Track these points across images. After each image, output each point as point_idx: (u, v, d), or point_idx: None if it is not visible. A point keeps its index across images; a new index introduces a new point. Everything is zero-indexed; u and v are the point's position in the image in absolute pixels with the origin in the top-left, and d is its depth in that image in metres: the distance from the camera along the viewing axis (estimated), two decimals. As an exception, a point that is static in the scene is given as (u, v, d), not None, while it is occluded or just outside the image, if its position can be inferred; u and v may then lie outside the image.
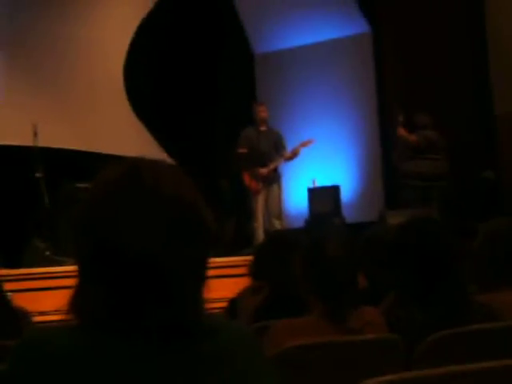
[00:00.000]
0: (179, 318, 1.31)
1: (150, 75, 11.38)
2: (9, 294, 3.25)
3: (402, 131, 9.69)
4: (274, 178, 9.53)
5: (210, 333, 1.35)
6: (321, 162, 11.09)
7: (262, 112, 9.53)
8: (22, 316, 3.15)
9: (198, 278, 1.35)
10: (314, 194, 10.76)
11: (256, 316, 3.07)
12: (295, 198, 11.01)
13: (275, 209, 9.51)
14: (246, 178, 9.53)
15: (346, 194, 10.81)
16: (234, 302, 3.37)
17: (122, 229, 1.28)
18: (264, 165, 9.44)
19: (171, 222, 1.30)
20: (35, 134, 8.63)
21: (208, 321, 1.37)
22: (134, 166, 1.36)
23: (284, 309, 2.95)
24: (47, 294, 6.54)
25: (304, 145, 9.53)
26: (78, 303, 1.33)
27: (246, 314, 3.10)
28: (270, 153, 9.50)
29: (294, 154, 9.54)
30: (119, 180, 1.34)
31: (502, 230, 3.11)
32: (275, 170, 9.55)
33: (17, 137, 9.40)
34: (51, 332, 1.33)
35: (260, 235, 9.23)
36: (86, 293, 1.32)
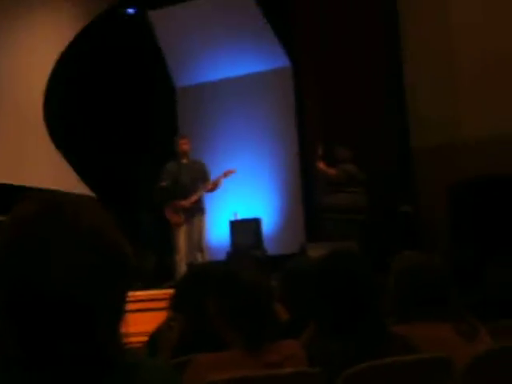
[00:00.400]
0: (96, 354, 1.29)
1: (71, 107, 11.27)
2: None
3: (321, 165, 9.80)
4: (197, 210, 9.52)
5: (130, 368, 1.34)
6: (242, 195, 11.14)
7: (184, 145, 9.54)
8: None
9: (117, 312, 1.34)
10: (236, 226, 10.78)
11: (174, 350, 3.06)
12: (217, 230, 11.01)
13: (197, 241, 9.49)
14: (167, 212, 9.50)
15: (268, 227, 10.86)
16: (153, 336, 3.35)
17: (37, 264, 1.26)
18: (185, 197, 9.42)
19: (91, 259, 1.28)
20: None
21: (127, 356, 1.36)
22: (52, 201, 1.34)
23: (201, 343, 2.94)
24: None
25: (226, 175, 9.55)
26: None
27: (165, 348, 3.08)
28: (192, 185, 9.49)
29: (216, 185, 9.56)
30: (36, 215, 1.30)
31: (408, 266, 3.18)
32: (197, 202, 9.53)
33: None
34: None
35: (182, 268, 9.19)
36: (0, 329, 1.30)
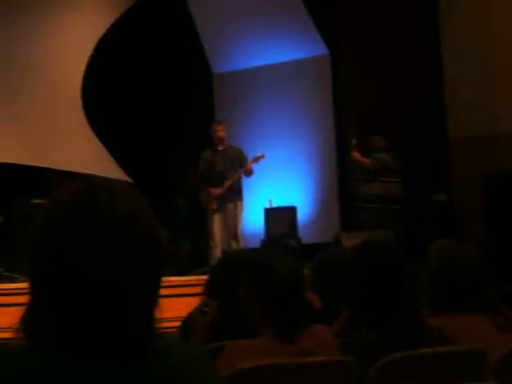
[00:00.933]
0: (130, 338, 1.30)
1: (108, 93, 11.33)
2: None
3: (356, 154, 9.77)
4: (231, 198, 9.51)
5: (162, 353, 1.34)
6: (278, 183, 11.12)
7: (220, 131, 9.54)
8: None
9: (151, 297, 1.35)
10: (271, 214, 10.77)
11: (207, 336, 3.07)
12: (252, 218, 11.01)
13: (232, 229, 9.50)
14: (202, 198, 9.53)
15: (303, 215, 10.83)
16: (186, 322, 3.36)
17: (76, 247, 1.27)
18: (220, 184, 9.43)
19: (126, 241, 1.30)
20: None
21: (160, 341, 1.36)
22: (89, 185, 1.35)
23: (233, 330, 2.95)
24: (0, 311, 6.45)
25: (255, 160, 9.53)
26: (28, 322, 1.32)
27: (198, 334, 3.09)
28: (227, 172, 9.49)
29: (247, 171, 9.54)
30: (74, 199, 1.33)
31: (444, 255, 3.14)
32: (233, 188, 9.52)
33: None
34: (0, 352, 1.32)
35: (217, 255, 9.20)
36: (37, 312, 1.31)
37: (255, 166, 9.59)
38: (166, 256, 1.38)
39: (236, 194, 9.59)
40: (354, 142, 9.81)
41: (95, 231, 1.29)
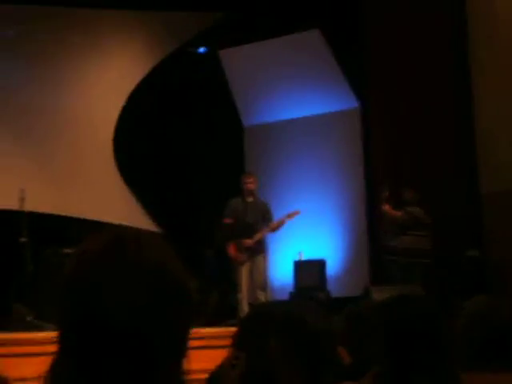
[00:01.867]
0: None
1: (140, 145, 11.44)
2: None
3: (387, 207, 9.74)
4: (260, 249, 9.51)
5: None
6: (307, 235, 11.10)
7: (250, 184, 9.57)
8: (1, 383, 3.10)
9: (179, 349, 1.33)
10: (300, 266, 10.74)
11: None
12: (281, 270, 10.98)
13: (260, 280, 9.47)
14: (231, 249, 9.52)
15: (332, 268, 10.79)
16: (214, 374, 3.32)
17: (101, 299, 1.27)
18: (250, 236, 9.43)
19: (153, 294, 1.29)
20: (22, 199, 8.62)
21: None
22: (116, 235, 1.35)
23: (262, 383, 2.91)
24: (28, 361, 6.44)
25: (290, 216, 9.56)
26: (54, 373, 1.31)
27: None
28: (257, 224, 9.50)
29: (280, 225, 9.56)
30: (101, 250, 1.33)
31: (482, 310, 3.09)
32: (261, 241, 9.53)
33: (3, 200, 9.39)
34: None
35: (244, 306, 9.18)
36: (63, 363, 1.30)
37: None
38: (194, 308, 1.37)
39: (263, 246, 9.59)
40: (385, 194, 9.80)
41: (121, 282, 1.28)
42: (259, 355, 3.09)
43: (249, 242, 9.41)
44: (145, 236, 1.37)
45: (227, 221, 9.58)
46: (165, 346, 1.29)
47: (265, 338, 2.92)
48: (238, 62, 12.02)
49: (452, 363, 2.79)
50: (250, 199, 9.58)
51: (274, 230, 9.62)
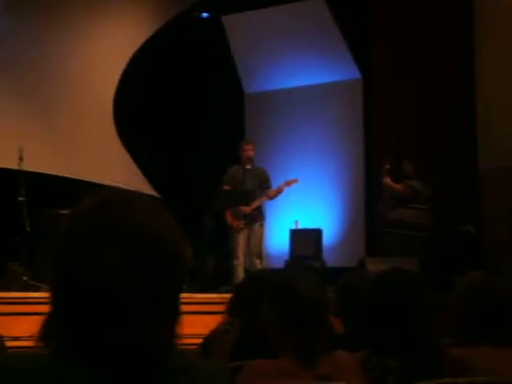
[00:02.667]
0: (142, 350, 1.29)
1: (139, 107, 11.42)
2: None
3: (387, 180, 9.74)
4: (257, 217, 9.52)
5: (180, 369, 1.34)
6: (304, 204, 11.12)
7: (249, 151, 9.56)
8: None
9: (167, 310, 1.34)
10: (296, 235, 10.76)
11: (228, 355, 3.06)
12: (277, 238, 11.01)
13: (256, 248, 9.50)
14: (228, 216, 9.53)
15: (328, 238, 10.81)
16: (208, 340, 3.35)
17: (85, 259, 1.29)
18: (247, 203, 9.44)
19: (136, 253, 1.30)
20: (21, 158, 8.62)
21: (180, 357, 1.36)
22: (104, 197, 1.37)
23: (255, 349, 2.93)
24: (21, 319, 6.49)
25: (288, 184, 9.55)
26: (46, 331, 1.33)
27: (220, 352, 3.09)
28: (255, 191, 9.50)
29: (278, 192, 9.56)
30: (88, 211, 1.35)
31: (477, 284, 3.12)
32: (258, 209, 9.54)
33: (1, 159, 9.38)
34: (20, 360, 1.33)
35: (240, 273, 9.21)
36: (55, 321, 1.32)
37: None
38: (185, 270, 1.37)
39: (261, 213, 9.60)
40: (386, 167, 9.79)
41: (105, 242, 1.30)
42: (252, 321, 3.12)
43: (246, 209, 9.43)
44: (134, 197, 1.38)
45: (226, 188, 9.59)
46: (147, 305, 1.30)
47: (258, 304, 2.94)
48: (240, 28, 11.96)
49: (437, 336, 2.83)
50: (249, 166, 9.58)
51: (272, 197, 9.62)
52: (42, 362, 1.31)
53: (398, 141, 10.57)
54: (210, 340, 3.31)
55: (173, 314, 1.35)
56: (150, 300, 1.30)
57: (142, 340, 1.29)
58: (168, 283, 1.33)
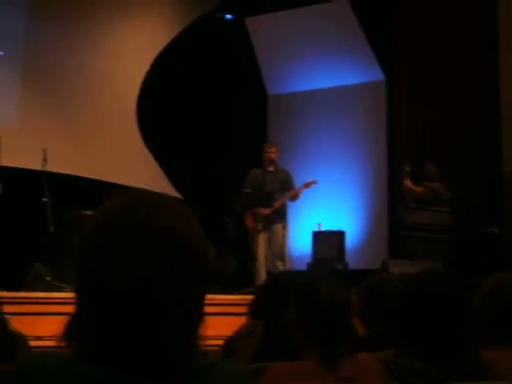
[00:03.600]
0: (167, 353, 1.30)
1: (162, 108, 11.45)
2: (7, 316, 3.24)
3: (408, 182, 9.70)
4: (277, 219, 9.51)
5: (203, 369, 1.34)
6: (327, 206, 11.10)
7: (272, 153, 9.57)
8: (18, 339, 3.14)
9: (192, 313, 1.34)
10: (319, 237, 10.74)
11: (251, 357, 3.06)
12: (300, 240, 10.99)
13: (279, 250, 9.49)
14: (248, 218, 9.53)
15: (351, 240, 10.79)
16: (230, 341, 3.35)
17: (111, 261, 1.28)
18: (267, 205, 9.43)
19: (162, 255, 1.29)
20: (45, 159, 8.66)
21: (202, 358, 1.36)
22: (131, 198, 1.36)
23: (278, 351, 2.93)
24: (44, 319, 6.52)
25: (306, 186, 9.54)
26: (70, 331, 1.33)
27: (242, 353, 3.09)
28: (275, 193, 9.49)
29: (296, 195, 9.55)
30: (114, 213, 1.34)
31: (502, 286, 3.09)
32: (279, 211, 9.52)
33: (26, 160, 9.43)
34: (44, 360, 1.33)
35: (262, 275, 9.20)
36: (80, 321, 1.33)
37: (304, 191, 9.60)
38: (210, 272, 1.37)
39: (282, 215, 9.59)
40: (406, 169, 9.76)
41: (131, 246, 1.29)
42: (275, 323, 3.12)
43: (265, 211, 9.42)
44: (160, 199, 1.37)
45: (246, 190, 9.59)
46: (173, 307, 1.30)
47: (281, 306, 2.94)
48: (264, 30, 11.96)
49: (470, 339, 2.80)
50: (271, 168, 9.58)
51: (292, 199, 9.61)
52: (66, 361, 1.31)
53: (421, 143, 10.53)
54: (233, 341, 3.31)
55: (197, 316, 1.35)
56: (176, 302, 1.30)
57: (167, 341, 1.29)
58: (194, 286, 1.33)
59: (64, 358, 1.32)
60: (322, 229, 10.94)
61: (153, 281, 1.28)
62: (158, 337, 1.28)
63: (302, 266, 10.40)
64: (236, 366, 1.48)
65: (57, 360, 1.32)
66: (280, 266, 9.41)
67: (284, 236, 9.63)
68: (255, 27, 12.08)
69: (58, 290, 7.70)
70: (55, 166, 9.08)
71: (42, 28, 10.64)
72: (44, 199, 8.51)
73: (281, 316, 2.90)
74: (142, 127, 11.28)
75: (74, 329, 1.33)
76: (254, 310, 3.39)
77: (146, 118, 11.31)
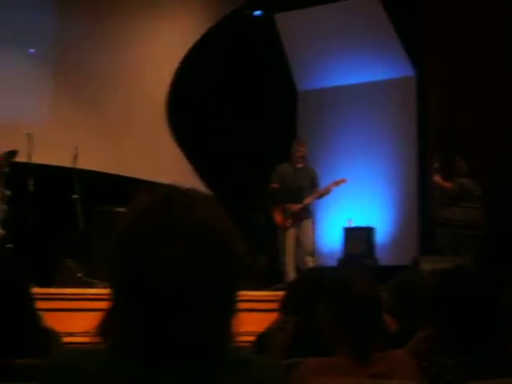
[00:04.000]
0: (204, 348, 1.30)
1: (192, 105, 11.47)
2: (39, 312, 3.26)
3: (437, 178, 9.65)
4: (306, 215, 9.49)
5: (238, 364, 1.35)
6: (357, 203, 11.07)
7: (302, 150, 9.55)
8: (51, 336, 3.16)
9: (226, 307, 1.35)
10: (349, 233, 10.73)
11: (283, 352, 3.06)
12: (330, 236, 10.98)
13: (308, 246, 9.47)
14: (276, 214, 9.52)
15: (381, 236, 10.76)
16: (262, 337, 3.35)
17: (149, 256, 1.29)
18: (296, 201, 9.42)
19: (197, 250, 1.30)
20: (75, 156, 8.71)
21: (236, 353, 1.37)
22: (165, 194, 1.36)
23: (309, 347, 2.93)
24: (76, 316, 6.56)
25: (336, 184, 9.52)
26: (106, 327, 1.34)
27: (274, 349, 3.09)
28: (304, 190, 9.48)
29: (326, 192, 9.53)
30: (150, 207, 1.34)
31: None
32: (307, 207, 9.51)
33: (57, 157, 9.50)
34: (80, 356, 1.34)
35: (291, 271, 9.19)
36: (116, 317, 1.33)
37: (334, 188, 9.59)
38: (242, 268, 1.38)
39: (310, 211, 9.58)
40: (436, 165, 9.71)
41: (168, 240, 1.29)
42: (307, 320, 3.12)
43: (294, 207, 9.41)
44: (194, 194, 1.38)
45: (274, 185, 9.58)
46: (209, 302, 1.30)
47: (312, 302, 2.94)
48: (293, 26, 11.95)
49: (504, 336, 2.78)
50: (300, 165, 9.56)
51: (321, 196, 9.60)
52: (102, 358, 1.32)
53: (451, 139, 10.47)
54: (264, 337, 3.32)
55: (231, 311, 1.35)
56: (213, 297, 1.31)
57: (205, 336, 1.30)
58: (227, 279, 1.34)
59: (99, 354, 1.33)
60: (353, 225, 10.92)
61: (192, 275, 1.28)
62: (196, 332, 1.29)
63: (332, 263, 10.40)
64: (269, 361, 1.48)
65: (92, 356, 1.33)
66: (310, 262, 9.39)
67: (313, 232, 9.62)
68: (284, 23, 12.07)
69: (89, 286, 7.75)
70: (85, 163, 9.13)
71: (73, 25, 10.71)
72: (74, 196, 8.57)
73: (312, 312, 2.90)
74: (172, 124, 11.31)
75: (110, 325, 1.34)
76: (285, 307, 3.40)
77: (176, 115, 11.34)
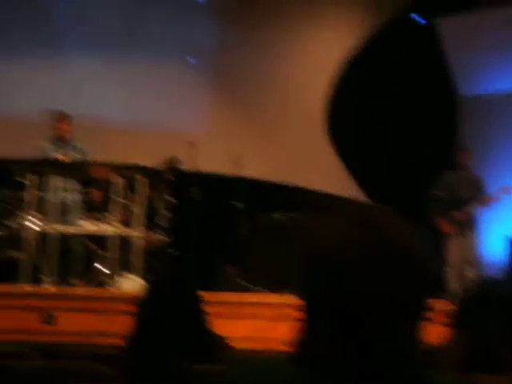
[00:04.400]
0: (399, 365, 1.28)
1: (350, 112, 11.43)
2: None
3: None
4: (470, 224, 9.30)
5: (425, 380, 1.31)
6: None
7: (467, 159, 9.39)
8: (219, 341, 3.19)
9: (418, 326, 1.32)
10: (514, 244, 10.41)
11: (456, 369, 2.98)
12: (492, 246, 10.68)
13: (470, 256, 9.29)
14: (442, 222, 9.36)
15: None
16: (433, 352, 3.27)
17: (349, 279, 1.27)
18: (461, 209, 9.24)
19: (395, 273, 1.28)
20: (238, 164, 8.84)
21: (417, 371, 1.33)
22: (360, 216, 1.34)
23: (484, 364, 2.83)
24: (236, 322, 6.63)
25: (503, 191, 9.26)
26: (305, 340, 1.32)
27: (448, 366, 3.01)
28: (469, 198, 9.29)
29: (493, 200, 9.29)
30: (346, 230, 1.31)
31: None
32: (472, 216, 9.31)
33: (218, 164, 9.68)
34: (259, 364, 1.34)
35: (453, 281, 9.04)
36: (313, 330, 1.32)
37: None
38: (432, 285, 1.35)
39: (474, 220, 9.36)
40: None
41: (364, 261, 1.28)
42: (481, 336, 3.02)
43: (460, 215, 9.24)
44: (387, 214, 1.35)
45: (438, 193, 9.44)
46: (405, 325, 1.29)
47: (486, 319, 2.84)
48: (457, 30, 11.69)
49: None
50: (465, 173, 9.39)
51: (487, 205, 9.36)
52: (285, 369, 1.31)
53: None
54: (437, 353, 3.24)
55: (420, 329, 1.32)
56: (408, 319, 1.29)
57: (401, 358, 1.28)
58: (421, 300, 1.32)
59: (279, 363, 1.32)
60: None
61: (392, 299, 1.27)
62: (397, 355, 1.27)
63: (494, 274, 10.10)
64: (455, 379, 1.45)
65: (272, 364, 1.32)
66: (470, 273, 9.19)
67: (475, 242, 9.41)
68: (446, 27, 11.82)
69: (248, 291, 7.84)
70: (246, 170, 9.27)
71: (232, 33, 10.93)
72: (237, 203, 8.70)
73: (486, 329, 2.80)
74: (330, 133, 11.32)
75: (307, 336, 1.32)
76: (457, 322, 3.30)
77: (334, 123, 11.34)
